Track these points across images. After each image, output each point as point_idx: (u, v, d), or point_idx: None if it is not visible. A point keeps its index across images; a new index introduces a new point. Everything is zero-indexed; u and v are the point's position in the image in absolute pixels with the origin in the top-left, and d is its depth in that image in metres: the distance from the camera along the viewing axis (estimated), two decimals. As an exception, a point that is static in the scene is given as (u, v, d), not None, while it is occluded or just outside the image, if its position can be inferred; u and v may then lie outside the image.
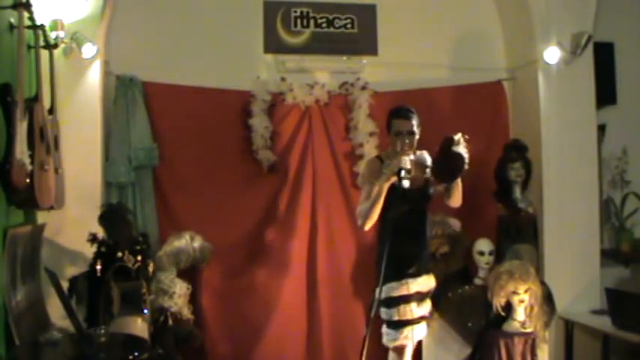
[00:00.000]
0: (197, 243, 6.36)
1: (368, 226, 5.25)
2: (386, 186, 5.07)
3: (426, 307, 5.58)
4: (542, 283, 6.23)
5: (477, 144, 6.81)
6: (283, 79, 7.06)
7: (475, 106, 7.28)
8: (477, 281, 6.57)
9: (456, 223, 6.72)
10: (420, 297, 5.45)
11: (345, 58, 7.26)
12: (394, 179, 5.04)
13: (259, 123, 6.89)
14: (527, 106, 7.17)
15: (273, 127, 6.96)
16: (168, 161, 6.75)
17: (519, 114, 7.35)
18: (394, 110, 5.51)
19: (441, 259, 6.59)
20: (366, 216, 5.19)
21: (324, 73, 7.22)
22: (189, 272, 6.43)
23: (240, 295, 6.83)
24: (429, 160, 5.41)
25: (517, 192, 6.83)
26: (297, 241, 6.95)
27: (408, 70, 7.26)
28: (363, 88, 7.12)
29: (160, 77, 6.78)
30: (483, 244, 6.62)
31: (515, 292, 5.91)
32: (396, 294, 5.34)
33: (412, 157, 5.22)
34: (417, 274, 5.42)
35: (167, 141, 6.74)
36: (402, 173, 4.96)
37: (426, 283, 5.52)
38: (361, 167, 6.21)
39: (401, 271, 5.32)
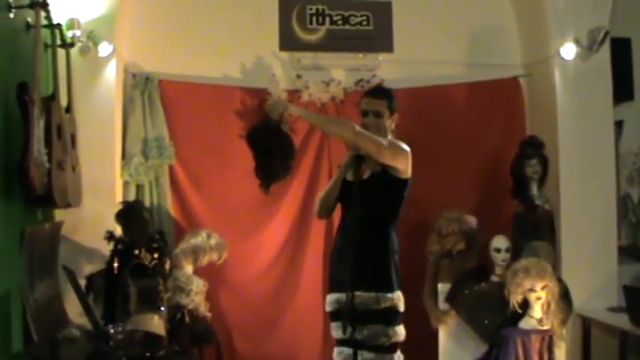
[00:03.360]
0: (213, 240, 6.39)
1: (320, 214, 4.97)
2: (340, 173, 4.73)
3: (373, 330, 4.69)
4: (559, 280, 6.17)
5: (493, 140, 7.12)
6: (299, 77, 7.11)
7: (491, 102, 7.27)
8: (494, 278, 6.51)
9: (472, 220, 6.67)
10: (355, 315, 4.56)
11: (360, 55, 7.27)
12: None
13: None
14: (544, 102, 7.13)
15: (289, 125, 6.71)
16: (184, 159, 6.80)
17: (536, 110, 7.31)
18: (366, 91, 5.14)
19: (457, 256, 6.58)
20: (319, 204, 4.88)
21: (339, 70, 7.24)
22: (206, 269, 6.44)
23: (257, 292, 6.91)
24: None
25: (534, 188, 6.76)
26: (313, 239, 6.98)
27: (424, 66, 7.25)
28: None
29: (176, 75, 6.85)
30: (500, 241, 6.57)
31: (532, 290, 5.88)
32: (327, 308, 4.87)
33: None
34: (340, 289, 4.70)
35: (183, 139, 6.78)
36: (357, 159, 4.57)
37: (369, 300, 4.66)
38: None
39: (330, 281, 4.80)
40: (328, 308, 4.81)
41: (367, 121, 4.82)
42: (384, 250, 4.75)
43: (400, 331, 4.74)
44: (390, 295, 4.67)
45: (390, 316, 4.68)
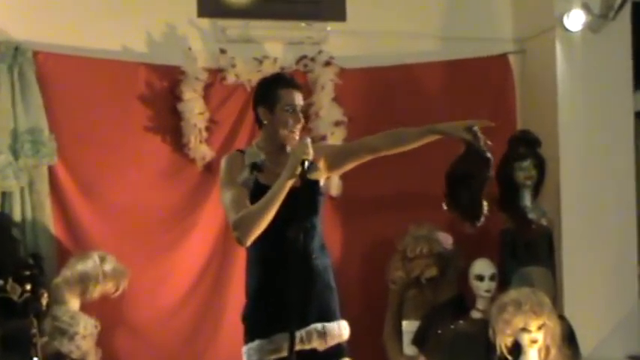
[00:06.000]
0: (109, 265, 6.11)
1: (250, 241, 4.48)
2: (288, 184, 4.36)
3: None
4: (561, 318, 6.06)
5: None
6: (223, 52, 6.89)
7: (473, 86, 7.16)
8: (475, 314, 6.43)
9: (446, 239, 6.56)
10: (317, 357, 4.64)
11: (303, 24, 7.12)
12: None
13: (191, 108, 6.70)
14: (541, 86, 7.08)
15: (210, 114, 6.81)
16: (70, 158, 6.50)
17: (530, 97, 7.25)
18: (277, 77, 4.91)
19: (427, 285, 6.49)
20: (252, 226, 4.42)
21: (276, 43, 7.08)
22: (98, 305, 6.18)
23: (166, 334, 6.70)
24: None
25: (526, 199, 6.71)
26: (241, 263, 6.35)
27: (386, 40, 7.12)
28: (327, 63, 6.96)
29: (58, 46, 6.54)
30: (482, 267, 6.45)
31: (525, 329, 5.74)
32: (271, 357, 4.58)
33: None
34: (304, 323, 4.57)
35: (69, 131, 6.48)
36: (306, 166, 4.32)
37: (329, 333, 4.64)
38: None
39: (281, 319, 4.49)
40: (272, 356, 4.53)
41: (300, 119, 4.74)
42: (332, 269, 4.82)
43: None
44: (344, 322, 4.74)
45: (347, 348, 4.74)
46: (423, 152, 6.69)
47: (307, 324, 4.52)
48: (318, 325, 4.55)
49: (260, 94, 4.80)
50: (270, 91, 4.73)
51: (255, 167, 4.55)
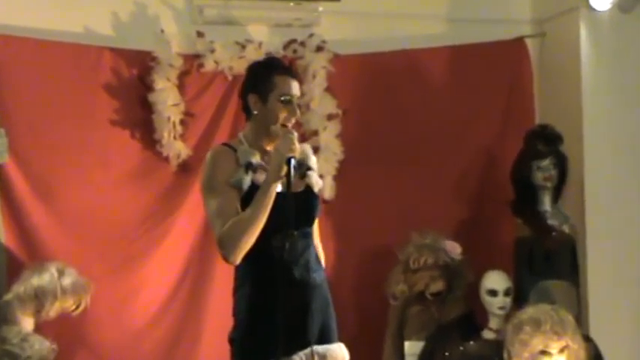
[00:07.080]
0: (68, 279, 5.85)
1: (239, 258, 4.31)
2: (274, 188, 4.21)
3: None
4: (587, 339, 5.75)
5: (486, 131, 7.05)
6: (200, 35, 6.70)
7: (484, 75, 7.00)
8: (487, 334, 6.21)
9: (454, 248, 6.36)
10: None
11: (291, 3, 6.91)
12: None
13: (164, 99, 6.49)
14: (563, 75, 6.92)
15: (186, 106, 6.61)
16: (24, 156, 6.29)
17: (551, 87, 7.08)
18: (273, 62, 4.80)
19: (433, 301, 6.34)
20: (240, 240, 4.27)
21: (260, 25, 6.92)
22: (56, 324, 5.96)
23: (134, 355, 6.47)
24: (312, 158, 4.67)
25: (546, 202, 6.50)
26: (221, 274, 6.32)
27: (386, 22, 6.98)
28: (319, 49, 6.79)
29: (10, 27, 6.32)
30: (496, 280, 6.25)
31: (545, 352, 5.36)
32: None
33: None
34: (304, 345, 4.38)
35: (21, 125, 6.28)
36: (293, 165, 4.20)
37: (331, 356, 4.48)
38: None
39: (277, 342, 4.23)
40: None
41: (297, 112, 4.60)
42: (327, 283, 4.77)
43: None
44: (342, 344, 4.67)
45: None
46: (427, 151, 7.06)
47: (307, 345, 4.38)
48: (320, 348, 4.42)
49: (252, 79, 4.64)
50: (264, 76, 4.58)
51: (251, 167, 4.40)
